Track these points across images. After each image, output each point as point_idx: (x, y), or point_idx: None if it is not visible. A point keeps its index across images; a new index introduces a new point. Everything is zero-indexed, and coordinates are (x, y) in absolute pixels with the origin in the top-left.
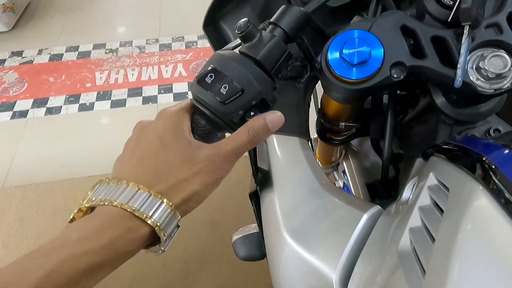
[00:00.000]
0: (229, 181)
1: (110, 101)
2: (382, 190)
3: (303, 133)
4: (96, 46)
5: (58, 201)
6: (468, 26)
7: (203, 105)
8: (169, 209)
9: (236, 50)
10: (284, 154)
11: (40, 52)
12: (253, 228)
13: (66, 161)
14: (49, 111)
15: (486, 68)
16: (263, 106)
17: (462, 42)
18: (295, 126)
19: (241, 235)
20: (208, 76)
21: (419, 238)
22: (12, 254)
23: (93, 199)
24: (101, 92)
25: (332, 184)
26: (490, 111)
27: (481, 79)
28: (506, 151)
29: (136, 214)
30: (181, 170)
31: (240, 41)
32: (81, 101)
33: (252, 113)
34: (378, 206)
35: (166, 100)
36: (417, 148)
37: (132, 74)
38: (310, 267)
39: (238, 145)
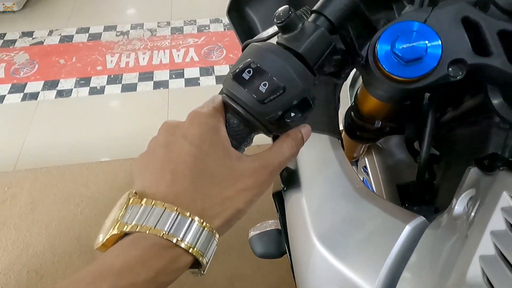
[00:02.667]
0: None
1: (120, 85)
2: (417, 195)
3: (333, 131)
4: (107, 28)
5: (69, 186)
6: None
7: (238, 104)
8: (211, 234)
9: (272, 40)
10: (314, 153)
11: (50, 33)
12: (270, 224)
13: (76, 144)
14: (60, 93)
15: None
16: (305, 105)
17: None
18: (324, 124)
19: (258, 232)
20: (245, 71)
21: (496, 270)
22: (24, 237)
23: (128, 223)
24: (112, 76)
25: (367, 188)
26: None
27: None
28: None
29: (180, 245)
30: (224, 187)
31: (275, 31)
32: (91, 85)
33: (292, 114)
34: (422, 217)
35: (177, 85)
36: (462, 153)
37: (143, 58)
38: (342, 277)
39: (284, 160)
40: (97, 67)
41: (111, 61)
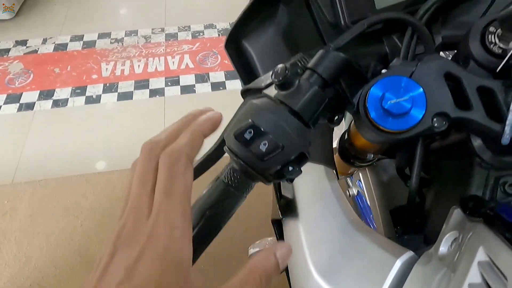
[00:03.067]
0: None
1: (116, 93)
2: (408, 220)
3: (329, 161)
4: (101, 36)
5: (69, 198)
6: None
7: (240, 158)
8: None
9: (269, 91)
10: (310, 183)
11: (44, 41)
12: (269, 242)
13: (74, 155)
14: (56, 103)
15: None
16: (301, 159)
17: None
18: (320, 154)
19: (258, 249)
20: (247, 131)
21: None
22: (25, 250)
23: None
24: (108, 84)
25: (360, 221)
26: None
27: None
28: None
29: None
30: None
31: (272, 79)
32: (87, 93)
33: (290, 168)
34: (411, 252)
35: (173, 92)
36: (449, 182)
37: (138, 66)
38: None
39: None
40: (92, 75)
41: (106, 69)
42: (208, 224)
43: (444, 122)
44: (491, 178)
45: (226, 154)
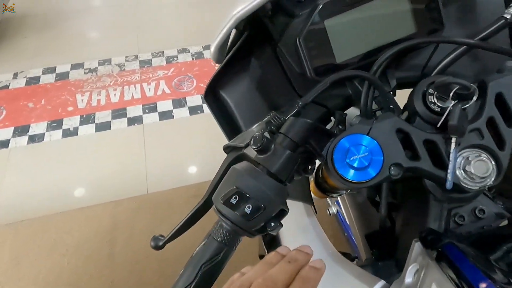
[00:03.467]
0: None
1: (94, 124)
2: (381, 243)
3: (307, 198)
4: (74, 66)
5: (53, 236)
6: (455, 138)
7: (230, 220)
8: None
9: (249, 151)
10: (291, 219)
11: (15, 75)
12: None
13: (55, 191)
14: (32, 139)
15: (471, 171)
16: (281, 214)
17: (451, 152)
18: (298, 192)
19: None
20: (232, 197)
21: None
22: None
23: None
24: (84, 116)
25: (338, 253)
26: (477, 195)
27: (468, 178)
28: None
29: None
30: None
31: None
32: (64, 127)
33: (272, 224)
34: (383, 281)
35: (151, 120)
36: (413, 213)
37: (115, 95)
38: None
39: None
40: (68, 107)
41: (82, 100)
42: (204, 277)
43: (399, 171)
44: (444, 210)
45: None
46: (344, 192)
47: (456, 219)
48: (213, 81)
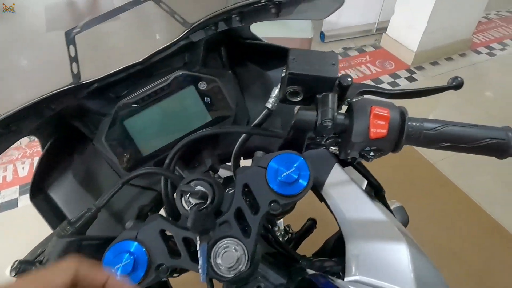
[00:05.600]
0: None
1: None
2: None
3: None
4: None
5: None
6: (199, 237)
7: None
8: None
9: None
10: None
11: None
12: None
13: None
14: None
15: (221, 263)
16: None
17: (198, 249)
18: None
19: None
20: None
21: None
22: None
23: None
24: None
25: None
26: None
27: (221, 269)
28: None
29: None
30: None
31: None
32: None
33: None
34: None
35: None
36: None
37: (23, 168)
38: None
39: None
40: None
41: None
42: None
43: (166, 270)
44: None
45: None
46: None
47: None
48: (35, 181)
